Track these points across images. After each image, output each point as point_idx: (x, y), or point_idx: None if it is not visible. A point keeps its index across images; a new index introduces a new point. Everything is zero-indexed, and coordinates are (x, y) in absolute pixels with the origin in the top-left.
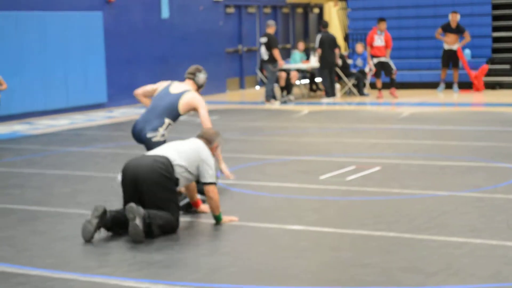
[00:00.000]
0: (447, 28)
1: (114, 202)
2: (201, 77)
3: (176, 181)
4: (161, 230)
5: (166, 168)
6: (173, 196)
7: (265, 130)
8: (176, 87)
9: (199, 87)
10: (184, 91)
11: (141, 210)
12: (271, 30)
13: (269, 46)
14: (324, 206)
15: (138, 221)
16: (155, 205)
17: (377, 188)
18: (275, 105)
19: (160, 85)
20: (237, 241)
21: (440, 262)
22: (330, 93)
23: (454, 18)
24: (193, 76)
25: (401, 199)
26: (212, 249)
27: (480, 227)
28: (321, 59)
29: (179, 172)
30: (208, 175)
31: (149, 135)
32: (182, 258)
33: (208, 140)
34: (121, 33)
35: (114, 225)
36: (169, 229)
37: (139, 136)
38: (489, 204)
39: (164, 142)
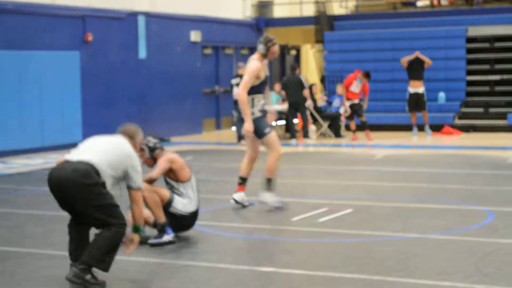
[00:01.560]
0: (411, 67)
1: None
2: (260, 47)
3: (103, 184)
4: (108, 253)
5: (89, 175)
6: (107, 200)
7: (226, 171)
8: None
9: (264, 56)
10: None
11: (74, 272)
12: (243, 71)
13: None
14: (295, 248)
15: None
16: (92, 217)
17: (349, 230)
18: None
19: None
20: (208, 283)
21: None
22: (292, 135)
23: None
24: (257, 46)
25: (372, 241)
26: None
27: (449, 270)
28: (286, 101)
29: (105, 175)
30: (138, 180)
31: None
32: None
33: (130, 135)
34: (98, 73)
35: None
36: (116, 243)
37: None
38: (459, 247)
39: (263, 116)
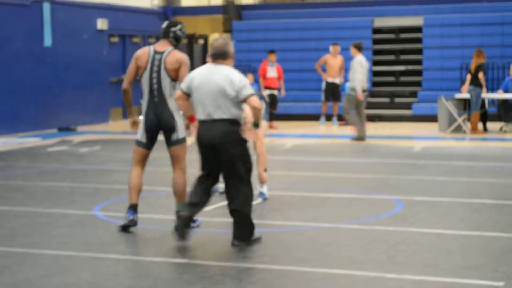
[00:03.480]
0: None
1: None
2: None
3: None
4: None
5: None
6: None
7: (151, 161)
8: None
9: None
10: None
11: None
12: None
13: None
14: (208, 239)
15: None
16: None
17: (260, 220)
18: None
19: None
20: (121, 275)
21: None
22: None
23: (336, 50)
24: None
25: (283, 231)
26: (92, 284)
27: (360, 259)
28: None
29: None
30: (246, 90)
31: None
32: None
33: (224, 55)
34: (2, 60)
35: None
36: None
37: None
38: (369, 236)
39: None
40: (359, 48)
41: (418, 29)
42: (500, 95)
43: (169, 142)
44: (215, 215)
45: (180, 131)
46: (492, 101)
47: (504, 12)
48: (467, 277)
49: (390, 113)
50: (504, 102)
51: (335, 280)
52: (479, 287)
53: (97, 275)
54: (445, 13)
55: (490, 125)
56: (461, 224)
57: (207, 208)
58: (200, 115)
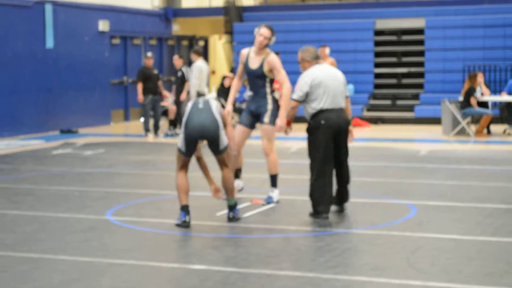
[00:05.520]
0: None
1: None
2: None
3: None
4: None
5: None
6: None
7: (157, 164)
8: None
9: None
10: None
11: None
12: (145, 61)
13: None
14: (225, 245)
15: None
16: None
17: (274, 225)
18: (149, 138)
19: None
20: (141, 282)
21: None
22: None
23: (323, 53)
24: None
25: (300, 237)
26: None
27: (382, 265)
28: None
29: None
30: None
31: None
32: None
33: (319, 56)
34: (3, 62)
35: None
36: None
37: None
38: (387, 241)
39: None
40: (199, 54)
41: (420, 31)
42: (504, 97)
43: (217, 152)
44: (227, 220)
45: (225, 139)
46: (494, 104)
47: (506, 14)
48: (491, 285)
49: (392, 115)
50: (508, 104)
51: (359, 287)
52: None
53: (116, 281)
54: (447, 15)
55: (493, 127)
56: (477, 230)
57: (218, 213)
58: (327, 105)
